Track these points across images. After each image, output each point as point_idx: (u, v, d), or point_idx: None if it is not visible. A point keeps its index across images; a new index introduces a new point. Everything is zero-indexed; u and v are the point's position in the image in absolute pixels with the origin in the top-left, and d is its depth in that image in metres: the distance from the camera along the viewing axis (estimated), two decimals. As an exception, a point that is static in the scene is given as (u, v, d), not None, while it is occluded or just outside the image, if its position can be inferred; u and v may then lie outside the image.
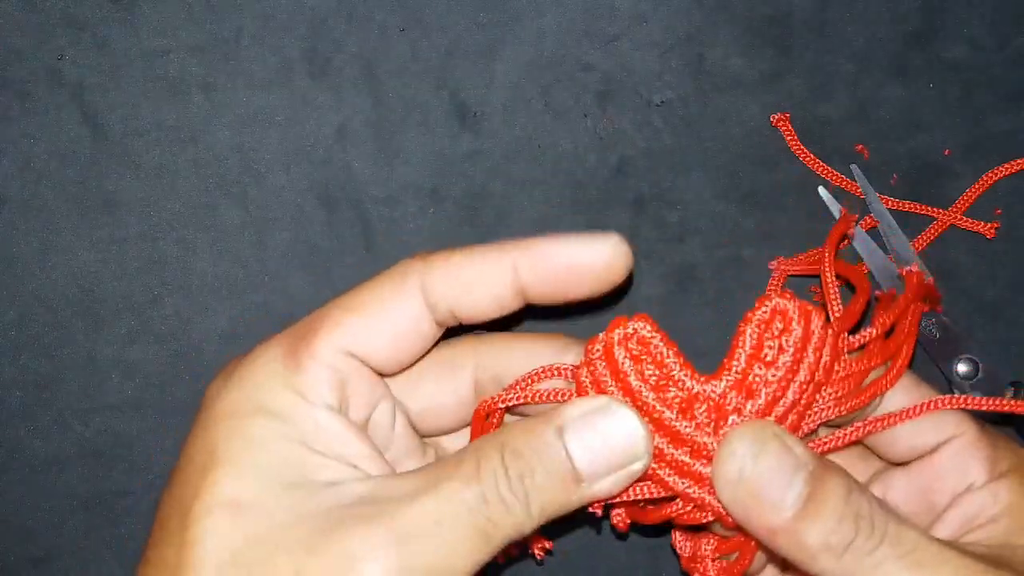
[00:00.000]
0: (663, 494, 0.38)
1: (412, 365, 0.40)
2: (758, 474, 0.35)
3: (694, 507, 0.38)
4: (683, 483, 0.37)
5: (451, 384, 0.41)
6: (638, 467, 0.36)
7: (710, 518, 0.38)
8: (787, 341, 0.37)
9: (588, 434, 0.35)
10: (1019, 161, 0.52)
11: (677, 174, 0.51)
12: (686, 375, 0.37)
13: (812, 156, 0.51)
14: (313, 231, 0.51)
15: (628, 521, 0.40)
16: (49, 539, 0.50)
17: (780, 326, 0.37)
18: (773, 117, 0.51)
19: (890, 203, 0.51)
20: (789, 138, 0.51)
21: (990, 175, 0.52)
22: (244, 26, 0.51)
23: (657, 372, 0.37)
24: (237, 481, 0.34)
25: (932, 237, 0.52)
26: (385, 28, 0.51)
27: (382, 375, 0.39)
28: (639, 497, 0.38)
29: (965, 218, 0.52)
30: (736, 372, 0.37)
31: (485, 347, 0.41)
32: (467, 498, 0.33)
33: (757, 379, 0.37)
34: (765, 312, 0.37)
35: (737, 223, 0.51)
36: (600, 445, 0.35)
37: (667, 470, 0.38)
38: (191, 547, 0.33)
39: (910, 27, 0.51)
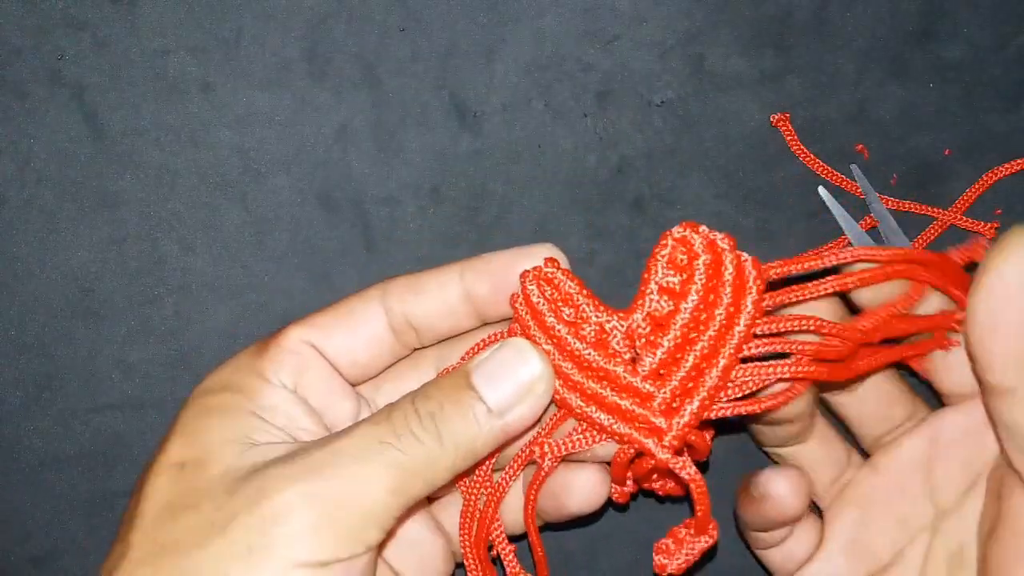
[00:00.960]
0: (604, 439, 0.39)
1: (376, 375, 0.43)
2: None
3: (635, 449, 0.39)
4: (614, 422, 0.38)
5: (412, 378, 0.43)
6: (541, 388, 0.38)
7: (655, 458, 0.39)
8: (698, 274, 0.38)
9: (489, 367, 0.38)
10: (1019, 161, 0.52)
11: (677, 174, 0.51)
12: (595, 310, 0.39)
13: (812, 156, 0.51)
14: (313, 231, 0.51)
15: (626, 493, 0.41)
16: (49, 539, 0.50)
17: (684, 258, 0.38)
18: (773, 117, 0.51)
19: (890, 203, 0.51)
20: (789, 138, 0.51)
21: (990, 175, 0.52)
22: (244, 26, 0.51)
23: (572, 312, 0.39)
24: (184, 446, 0.37)
25: (932, 237, 0.52)
26: (385, 28, 0.51)
27: (351, 382, 0.42)
28: (582, 445, 0.39)
29: (965, 218, 0.52)
30: (648, 306, 0.38)
31: (447, 344, 0.44)
32: (378, 432, 0.36)
33: (666, 310, 0.38)
34: (665, 245, 0.39)
35: (737, 223, 0.51)
36: (500, 373, 0.38)
37: (600, 413, 0.39)
38: (139, 503, 0.36)
39: (910, 27, 0.51)
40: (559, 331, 0.39)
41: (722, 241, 0.38)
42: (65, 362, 0.51)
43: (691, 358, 0.38)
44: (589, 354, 0.38)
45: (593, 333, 0.39)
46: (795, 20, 0.51)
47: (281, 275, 0.51)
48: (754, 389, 0.38)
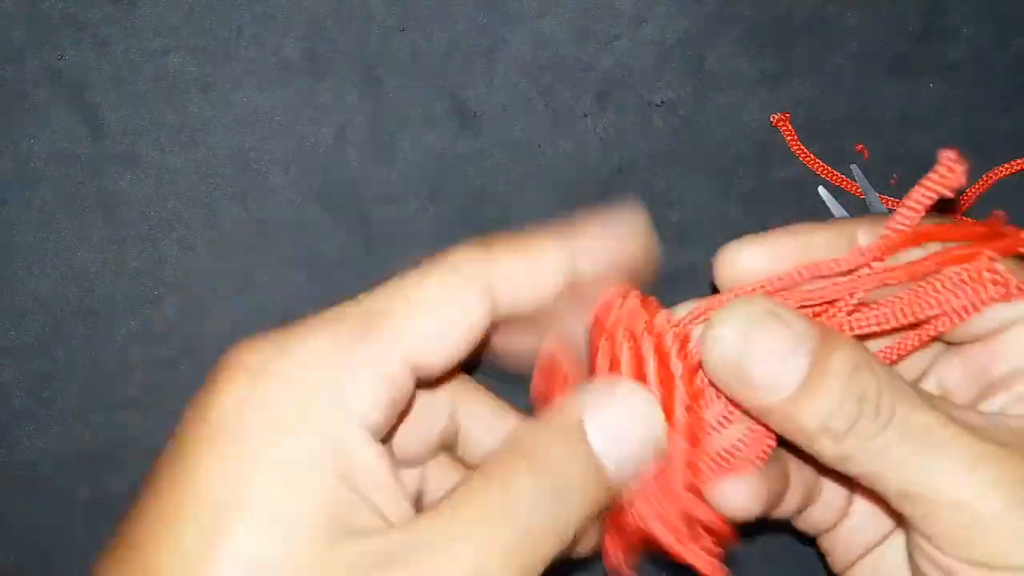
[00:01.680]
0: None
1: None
2: (749, 357, 0.31)
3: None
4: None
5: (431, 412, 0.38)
6: (656, 452, 0.33)
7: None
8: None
9: (607, 419, 0.32)
10: (1019, 161, 0.52)
11: (677, 174, 0.51)
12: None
13: (812, 156, 0.51)
14: (313, 231, 0.51)
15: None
16: (49, 539, 0.50)
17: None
18: (773, 117, 0.51)
19: (890, 203, 0.51)
20: (789, 138, 0.51)
21: (990, 175, 0.52)
22: (244, 26, 0.51)
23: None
24: (258, 535, 0.27)
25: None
26: (385, 28, 0.51)
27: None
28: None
29: (965, 218, 0.52)
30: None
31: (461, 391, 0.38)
32: (507, 538, 0.29)
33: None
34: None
35: (737, 223, 0.51)
36: (620, 430, 0.32)
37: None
38: None
39: (910, 27, 0.51)
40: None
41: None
42: (65, 362, 0.51)
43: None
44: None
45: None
46: (795, 20, 0.51)
47: (281, 275, 0.51)
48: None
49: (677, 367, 0.34)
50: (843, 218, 0.39)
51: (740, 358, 0.31)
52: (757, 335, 0.31)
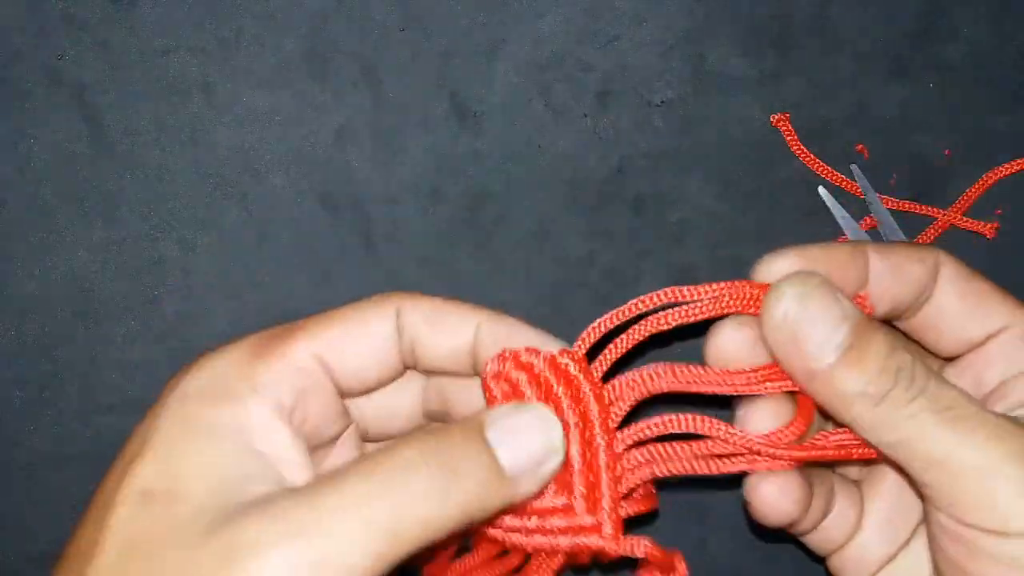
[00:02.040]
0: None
1: (372, 391, 0.40)
2: (803, 318, 0.35)
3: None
4: (556, 540, 0.37)
5: (401, 395, 0.41)
6: (555, 463, 0.36)
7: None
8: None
9: (507, 426, 0.35)
10: (1019, 161, 0.52)
11: (677, 174, 0.51)
12: None
13: (812, 156, 0.51)
14: (313, 231, 0.51)
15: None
16: (49, 539, 0.50)
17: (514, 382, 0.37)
18: (773, 117, 0.51)
19: (890, 203, 0.51)
20: (789, 138, 0.51)
21: (990, 175, 0.52)
22: (244, 26, 0.51)
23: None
24: (156, 470, 0.33)
25: (932, 237, 0.52)
26: (385, 28, 0.51)
27: (342, 395, 0.39)
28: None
29: (965, 218, 0.52)
30: None
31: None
32: (373, 489, 0.32)
33: None
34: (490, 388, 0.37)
35: (737, 223, 0.51)
36: (519, 437, 0.35)
37: (538, 537, 0.37)
38: (100, 532, 0.33)
39: (910, 27, 0.51)
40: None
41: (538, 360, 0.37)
42: (65, 362, 0.51)
43: (575, 463, 0.37)
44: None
45: None
46: (795, 20, 0.51)
47: (281, 275, 0.51)
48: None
49: (581, 384, 0.38)
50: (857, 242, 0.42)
51: (797, 319, 0.35)
52: (813, 301, 0.35)
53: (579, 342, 0.39)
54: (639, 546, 0.37)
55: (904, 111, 0.52)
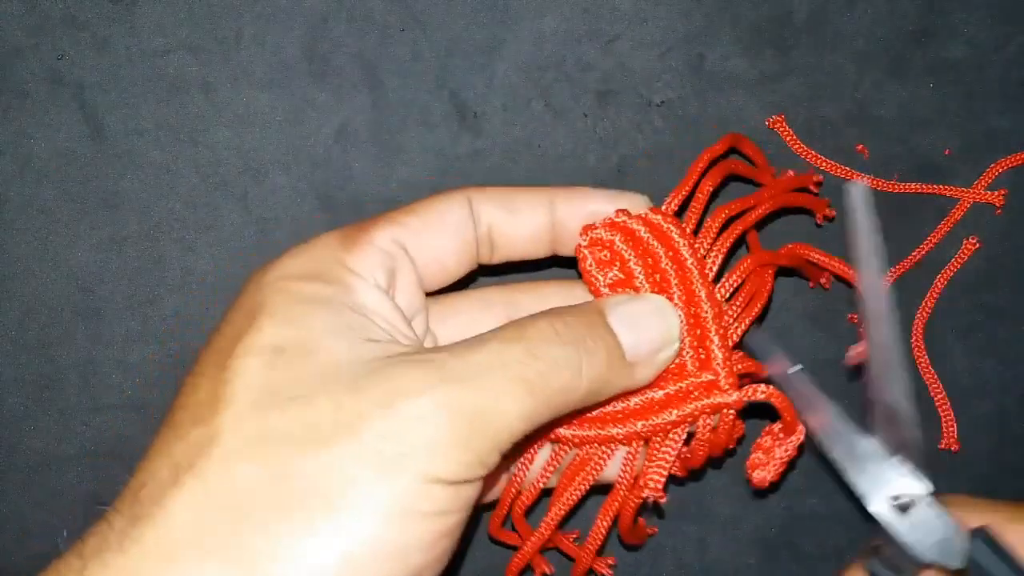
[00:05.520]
0: (682, 430, 0.39)
1: (447, 287, 0.41)
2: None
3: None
4: (677, 410, 0.39)
5: (484, 319, 0.42)
6: (673, 350, 0.37)
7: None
8: (629, 259, 0.40)
9: (628, 312, 0.37)
10: (1019, 154, 0.52)
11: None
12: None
13: (814, 154, 0.51)
14: (313, 231, 0.51)
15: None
16: (49, 539, 0.50)
17: (608, 253, 0.40)
18: (768, 120, 0.51)
19: (898, 187, 0.51)
20: (788, 138, 0.51)
21: (994, 168, 0.51)
22: (244, 26, 0.51)
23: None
24: (282, 328, 0.32)
25: (946, 228, 0.51)
26: (385, 28, 0.51)
27: (423, 287, 0.40)
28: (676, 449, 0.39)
29: (975, 190, 0.51)
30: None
31: (515, 290, 0.43)
32: (514, 352, 0.32)
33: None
34: (584, 258, 0.40)
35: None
36: (640, 323, 0.37)
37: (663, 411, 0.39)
38: (226, 384, 0.31)
39: (910, 27, 0.51)
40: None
41: (631, 222, 0.40)
42: (65, 362, 0.51)
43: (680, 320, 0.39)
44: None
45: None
46: (795, 20, 0.51)
47: (281, 275, 0.51)
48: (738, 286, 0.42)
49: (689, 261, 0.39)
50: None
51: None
52: None
53: (667, 203, 0.41)
54: (760, 392, 0.38)
55: (904, 111, 0.52)
